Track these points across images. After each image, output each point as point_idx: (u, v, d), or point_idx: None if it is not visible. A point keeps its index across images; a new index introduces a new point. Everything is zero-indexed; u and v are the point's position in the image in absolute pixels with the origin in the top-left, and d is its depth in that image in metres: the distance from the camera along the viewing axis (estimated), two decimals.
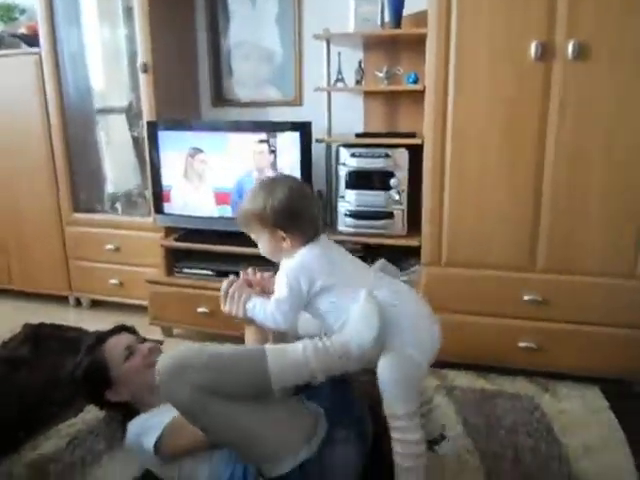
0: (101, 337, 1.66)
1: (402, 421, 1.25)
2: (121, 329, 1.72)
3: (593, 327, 1.97)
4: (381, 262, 1.49)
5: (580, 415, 1.84)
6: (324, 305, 1.31)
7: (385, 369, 1.25)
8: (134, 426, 1.48)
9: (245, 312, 1.35)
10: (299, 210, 1.32)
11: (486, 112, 1.89)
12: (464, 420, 1.82)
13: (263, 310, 1.33)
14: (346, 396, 1.49)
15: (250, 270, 1.46)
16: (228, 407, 1.21)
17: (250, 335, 1.44)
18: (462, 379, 2.08)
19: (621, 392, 1.97)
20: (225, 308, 1.39)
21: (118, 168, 2.92)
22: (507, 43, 1.81)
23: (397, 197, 2.22)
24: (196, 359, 1.20)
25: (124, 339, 1.65)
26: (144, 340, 1.70)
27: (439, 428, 1.47)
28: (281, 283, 1.31)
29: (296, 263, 1.31)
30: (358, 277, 1.33)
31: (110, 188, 2.91)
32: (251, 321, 1.37)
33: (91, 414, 1.87)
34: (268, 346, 1.26)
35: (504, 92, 1.85)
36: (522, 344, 2.04)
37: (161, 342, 1.71)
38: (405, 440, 1.25)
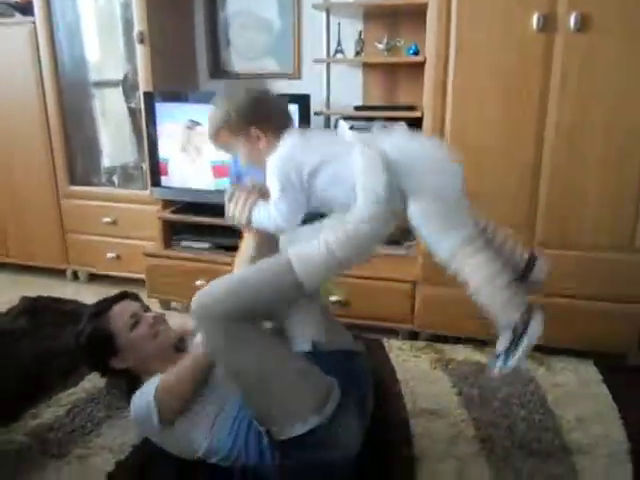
0: (106, 304, 1.62)
1: (462, 250, 1.14)
2: (124, 296, 1.68)
3: (588, 301, 1.99)
4: (378, 124, 1.42)
5: (574, 388, 1.87)
6: (324, 184, 1.23)
7: (416, 209, 1.16)
8: (137, 397, 1.48)
9: (250, 218, 1.32)
10: (263, 101, 1.29)
11: (487, 85, 1.87)
12: (459, 391, 1.85)
13: (267, 214, 1.30)
14: (352, 370, 1.49)
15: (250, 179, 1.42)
16: (259, 348, 1.23)
17: (249, 241, 1.42)
18: (458, 353, 2.10)
19: (614, 366, 2.00)
20: (229, 214, 1.36)
21: (114, 141, 2.89)
22: (509, 15, 1.78)
23: None
24: (225, 289, 1.22)
25: (129, 307, 1.61)
26: (147, 308, 1.68)
27: (520, 254, 1.34)
28: (271, 183, 1.27)
29: (277, 157, 1.25)
30: (346, 142, 1.26)
31: (107, 161, 2.89)
32: (252, 228, 1.36)
33: (90, 383, 1.89)
34: (290, 250, 1.23)
35: (505, 64, 1.83)
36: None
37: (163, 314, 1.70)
38: (474, 265, 1.13)
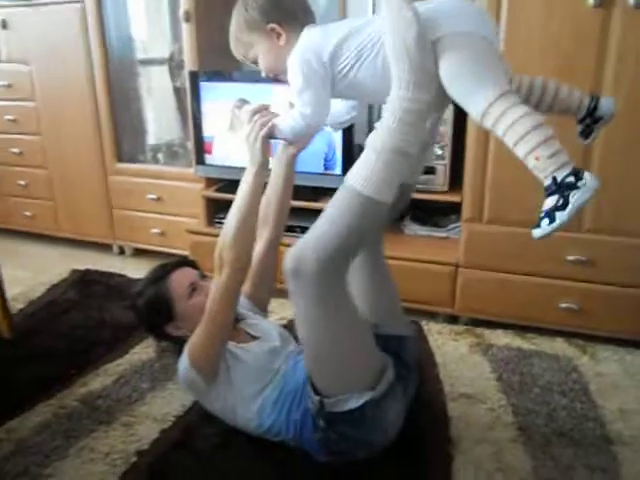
0: (167, 269, 1.62)
1: (496, 107, 1.03)
2: (185, 263, 1.69)
3: (637, 290, 1.92)
4: None
5: (618, 378, 1.82)
6: (349, 62, 1.16)
7: (446, 64, 1.07)
8: (180, 366, 1.51)
9: (268, 133, 1.33)
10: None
11: (539, 63, 1.80)
12: (498, 377, 1.83)
13: (291, 118, 1.27)
14: (405, 356, 1.49)
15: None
16: (342, 316, 1.25)
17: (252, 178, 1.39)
18: (499, 338, 2.07)
19: None
20: (240, 133, 1.38)
21: (160, 119, 2.95)
22: None
23: (440, 152, 2.18)
24: (312, 236, 1.21)
25: (189, 274, 1.61)
26: (205, 276, 1.67)
27: (579, 98, 1.22)
28: (292, 76, 1.23)
29: (296, 49, 1.21)
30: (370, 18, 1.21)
31: (152, 139, 2.95)
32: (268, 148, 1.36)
33: (136, 356, 1.96)
34: (345, 179, 1.18)
35: (559, 42, 1.75)
36: (563, 305, 2.01)
37: None
38: (512, 121, 1.02)
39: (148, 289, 1.59)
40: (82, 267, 2.75)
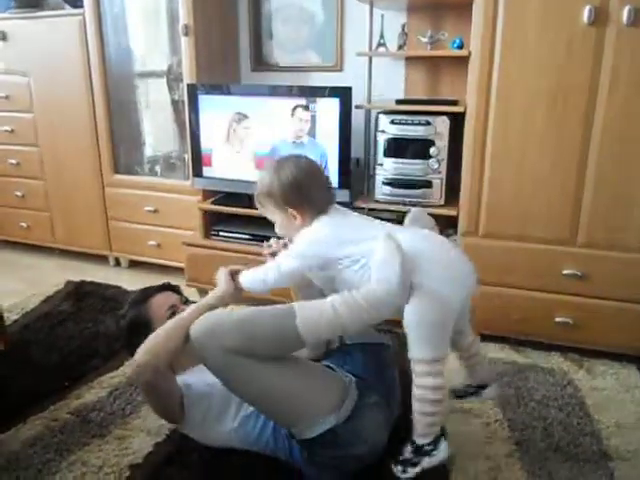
0: (148, 293, 1.67)
1: (423, 365, 1.23)
2: (167, 287, 1.72)
3: (633, 304, 1.93)
4: (415, 210, 1.49)
5: (614, 393, 1.82)
6: (345, 265, 1.32)
7: (410, 311, 1.22)
8: None
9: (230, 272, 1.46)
10: (305, 186, 1.35)
11: (533, 79, 1.82)
12: None
13: (257, 273, 1.40)
14: (378, 363, 1.51)
15: (273, 240, 1.53)
16: (260, 370, 1.26)
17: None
18: (494, 352, 2.07)
19: None
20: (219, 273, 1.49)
21: (158, 131, 2.95)
22: (559, 6, 1.74)
23: (436, 166, 2.19)
24: (226, 322, 1.26)
25: (169, 298, 1.65)
26: (187, 301, 1.70)
27: (484, 376, 1.48)
28: (298, 245, 1.36)
29: (313, 235, 1.34)
30: (374, 228, 1.34)
31: (150, 151, 2.96)
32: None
33: (131, 368, 1.94)
34: (297, 303, 1.28)
35: (553, 58, 1.78)
36: (559, 319, 2.01)
37: None
38: (423, 385, 1.24)
39: (130, 311, 1.64)
40: (77, 278, 2.74)
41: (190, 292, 2.52)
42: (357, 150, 2.44)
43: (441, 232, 2.37)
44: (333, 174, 2.34)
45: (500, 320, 2.10)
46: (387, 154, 2.26)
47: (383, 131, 2.25)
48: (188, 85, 2.48)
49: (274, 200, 1.37)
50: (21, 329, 2.25)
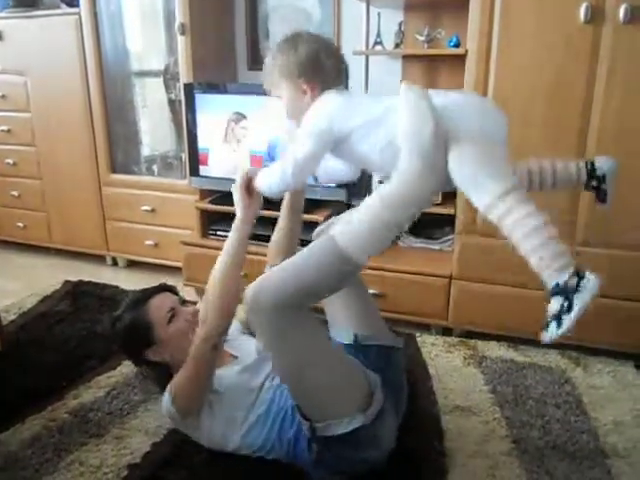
0: (145, 295, 1.63)
1: (503, 204, 1.06)
2: (163, 288, 1.69)
3: (630, 302, 1.93)
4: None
5: (612, 391, 1.82)
6: (359, 137, 1.21)
7: (456, 155, 1.10)
8: (163, 400, 1.48)
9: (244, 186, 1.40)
10: (322, 61, 1.28)
11: (530, 78, 1.82)
12: (492, 389, 1.83)
13: (270, 174, 1.32)
14: (391, 366, 1.48)
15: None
16: (311, 346, 1.24)
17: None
18: (492, 350, 2.08)
19: None
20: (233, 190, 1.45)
21: (155, 130, 2.95)
22: (555, 5, 1.73)
23: None
24: (277, 278, 1.22)
25: (168, 300, 1.62)
26: (184, 302, 1.69)
27: (574, 168, 1.28)
28: (307, 125, 1.26)
29: (320, 109, 1.25)
30: (385, 99, 1.24)
31: (147, 150, 2.95)
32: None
33: (128, 368, 1.94)
34: (332, 229, 1.20)
35: (550, 57, 1.78)
36: None
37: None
38: (518, 220, 1.06)
39: (127, 313, 1.59)
40: (75, 278, 2.74)
41: (188, 292, 2.52)
42: None
43: (438, 232, 2.39)
44: None
45: (498, 318, 2.10)
46: None
47: None
48: (185, 84, 2.48)
49: (285, 73, 1.28)
50: (18, 329, 2.24)
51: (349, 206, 2.47)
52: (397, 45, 2.34)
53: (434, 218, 2.32)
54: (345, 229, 1.17)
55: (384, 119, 1.19)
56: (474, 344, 2.12)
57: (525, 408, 1.73)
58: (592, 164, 1.25)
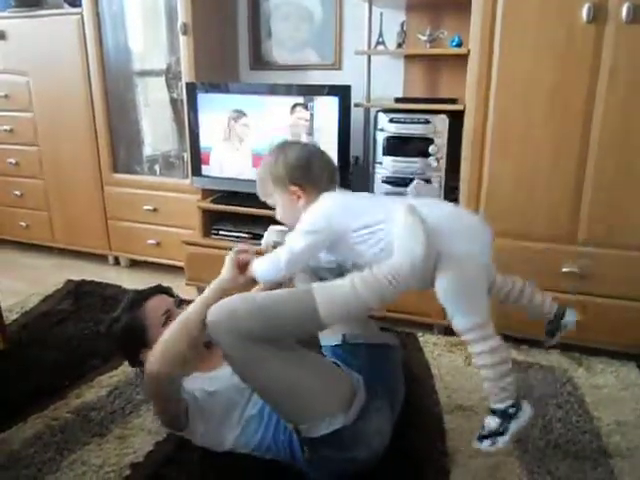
0: (141, 297, 1.64)
1: (472, 334, 1.21)
2: (159, 290, 1.70)
3: (633, 302, 1.93)
4: (415, 183, 1.47)
5: (614, 390, 1.82)
6: (358, 239, 1.27)
7: (444, 280, 1.20)
8: None
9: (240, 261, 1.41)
10: (311, 164, 1.34)
11: (532, 78, 1.82)
12: None
13: (267, 261, 1.34)
14: (383, 364, 1.49)
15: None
16: (275, 360, 1.25)
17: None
18: None
19: None
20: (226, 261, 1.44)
21: (157, 130, 2.95)
22: (558, 4, 1.73)
23: (435, 164, 2.18)
24: (243, 307, 1.23)
25: (163, 302, 1.63)
26: (181, 302, 1.69)
27: (548, 307, 1.41)
28: (307, 221, 1.30)
29: (323, 208, 1.30)
30: (387, 200, 1.34)
31: (149, 150, 2.96)
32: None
33: (130, 368, 1.93)
34: (315, 285, 1.24)
35: (553, 56, 1.78)
36: None
37: None
38: (480, 352, 1.20)
39: (123, 316, 1.61)
40: (77, 278, 2.74)
41: (189, 291, 2.52)
42: (356, 148, 2.44)
43: None
44: None
45: (499, 318, 2.09)
46: (386, 152, 2.26)
47: (382, 129, 2.25)
48: (187, 84, 2.48)
49: (278, 179, 1.34)
50: (21, 328, 2.25)
51: None
52: (399, 45, 2.34)
53: None
54: (326, 290, 1.22)
55: (384, 228, 1.25)
56: None
57: None
58: (563, 313, 1.41)
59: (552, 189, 1.91)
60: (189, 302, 1.69)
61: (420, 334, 2.20)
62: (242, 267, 1.42)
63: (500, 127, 1.91)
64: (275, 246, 1.45)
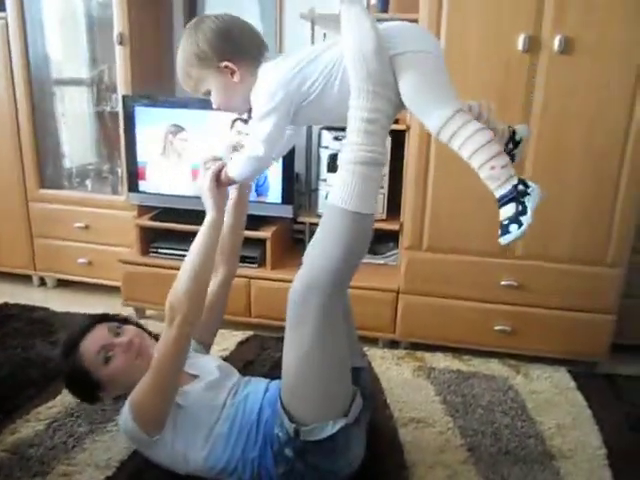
0: (74, 340, 1.49)
1: (452, 124, 1.12)
2: (90, 325, 1.52)
3: (563, 312, 2.07)
4: None
5: (551, 395, 1.94)
6: (318, 82, 1.19)
7: (407, 79, 1.14)
8: (121, 417, 1.41)
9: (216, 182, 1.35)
10: (233, 33, 1.22)
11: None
12: (443, 399, 1.89)
13: (239, 162, 1.29)
14: (360, 385, 1.49)
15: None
16: (335, 343, 1.27)
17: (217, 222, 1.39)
18: (439, 361, 2.15)
19: (587, 373, 2.09)
20: (202, 185, 1.37)
21: (86, 143, 2.80)
22: (496, 34, 1.84)
23: None
24: (311, 263, 1.23)
25: (97, 338, 1.48)
26: (120, 323, 1.56)
27: (501, 127, 1.31)
28: (258, 106, 1.22)
29: (264, 82, 1.21)
30: (327, 44, 1.23)
31: (78, 164, 2.80)
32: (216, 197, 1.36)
33: (70, 397, 1.78)
34: (331, 198, 1.20)
35: (491, 82, 1.88)
36: (498, 327, 2.12)
37: (136, 323, 1.63)
38: (466, 139, 1.12)
39: (64, 366, 1.50)
40: None
41: (126, 311, 2.40)
42: (299, 166, 2.45)
43: (383, 246, 2.44)
44: (275, 189, 2.34)
45: (443, 330, 2.18)
46: (330, 169, 2.29)
47: (327, 147, 2.28)
48: (123, 96, 2.38)
49: (204, 60, 1.21)
50: None
51: (295, 222, 2.48)
52: None
53: (377, 234, 2.37)
54: (339, 193, 1.18)
55: (324, 53, 1.19)
56: (421, 356, 2.18)
57: (475, 417, 1.80)
58: (514, 130, 1.34)
59: (490, 208, 1.99)
60: (131, 321, 1.62)
61: (366, 348, 2.23)
62: (219, 183, 1.37)
63: (443, 147, 1.98)
64: (236, 149, 1.39)
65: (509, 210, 1.12)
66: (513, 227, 1.12)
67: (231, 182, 1.38)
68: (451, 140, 1.14)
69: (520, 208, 1.11)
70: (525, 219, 1.10)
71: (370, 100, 1.14)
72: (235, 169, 1.33)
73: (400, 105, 1.20)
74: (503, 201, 1.13)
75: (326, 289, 1.21)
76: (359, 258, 1.26)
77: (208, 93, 1.29)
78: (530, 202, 1.10)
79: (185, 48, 1.24)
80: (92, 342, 1.47)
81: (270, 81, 1.21)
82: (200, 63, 1.22)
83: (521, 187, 1.11)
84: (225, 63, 1.21)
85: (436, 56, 1.18)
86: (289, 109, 1.22)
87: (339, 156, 1.22)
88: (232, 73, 1.23)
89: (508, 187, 1.11)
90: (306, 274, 1.23)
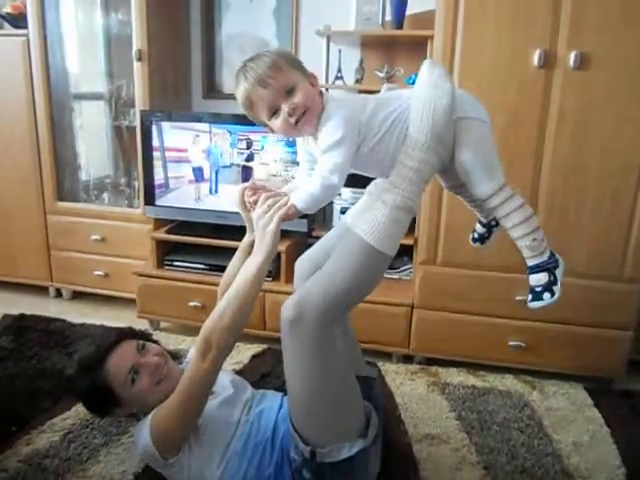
0: (101, 354, 1.45)
1: (500, 195, 1.21)
2: (119, 339, 1.50)
3: (579, 327, 2.05)
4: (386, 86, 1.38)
5: (567, 412, 1.92)
6: (383, 125, 1.20)
7: (468, 146, 1.20)
8: (138, 436, 1.39)
9: (281, 217, 1.23)
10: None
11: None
12: (458, 415, 1.87)
13: (308, 193, 1.20)
14: (372, 397, 1.48)
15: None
16: (338, 362, 1.24)
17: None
18: (453, 376, 2.13)
19: (603, 389, 2.06)
20: (258, 222, 1.26)
21: (104, 157, 2.85)
22: (511, 50, 1.85)
23: None
24: (314, 289, 1.21)
25: (127, 356, 1.45)
26: (145, 341, 1.53)
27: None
28: (332, 129, 1.16)
29: (338, 103, 1.19)
30: (391, 94, 1.27)
31: (95, 177, 2.84)
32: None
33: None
34: (355, 229, 1.20)
35: (505, 98, 1.89)
36: (512, 342, 2.10)
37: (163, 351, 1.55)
38: (512, 211, 1.21)
39: (82, 379, 1.44)
40: (15, 311, 2.56)
41: (141, 324, 2.42)
42: None
43: (396, 261, 2.43)
44: None
45: (457, 345, 2.17)
46: (345, 184, 2.29)
47: None
48: (141, 112, 2.42)
49: (297, 61, 1.20)
50: None
51: (309, 236, 2.49)
52: (357, 80, 2.40)
53: None
54: (369, 228, 1.19)
55: (399, 108, 1.21)
56: (435, 371, 2.17)
57: (491, 433, 1.78)
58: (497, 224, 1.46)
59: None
60: (152, 339, 1.61)
61: (380, 363, 2.22)
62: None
63: None
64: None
65: (541, 278, 1.24)
66: (546, 295, 1.23)
67: (296, 215, 1.26)
68: (497, 209, 1.23)
69: (552, 278, 1.23)
70: (557, 289, 1.23)
71: (424, 151, 1.19)
72: (305, 199, 1.21)
73: (445, 166, 1.25)
74: (536, 270, 1.24)
75: (325, 313, 1.19)
76: (359, 297, 1.26)
77: (290, 91, 1.17)
78: (560, 274, 1.24)
79: (276, 52, 1.19)
80: (122, 360, 1.44)
81: (347, 108, 1.18)
82: (294, 62, 1.19)
83: (552, 260, 1.23)
84: (311, 72, 1.22)
85: (490, 125, 1.25)
86: (358, 142, 1.19)
87: (373, 189, 1.24)
88: (314, 84, 1.21)
89: (544, 258, 1.23)
90: (311, 295, 1.20)
